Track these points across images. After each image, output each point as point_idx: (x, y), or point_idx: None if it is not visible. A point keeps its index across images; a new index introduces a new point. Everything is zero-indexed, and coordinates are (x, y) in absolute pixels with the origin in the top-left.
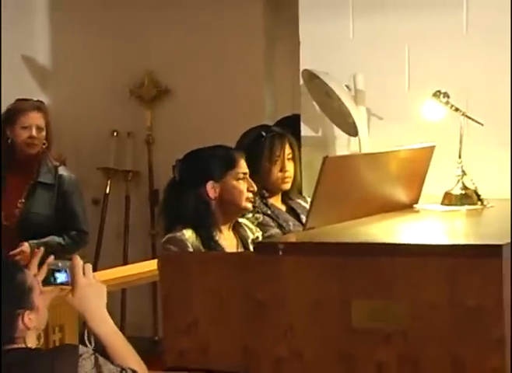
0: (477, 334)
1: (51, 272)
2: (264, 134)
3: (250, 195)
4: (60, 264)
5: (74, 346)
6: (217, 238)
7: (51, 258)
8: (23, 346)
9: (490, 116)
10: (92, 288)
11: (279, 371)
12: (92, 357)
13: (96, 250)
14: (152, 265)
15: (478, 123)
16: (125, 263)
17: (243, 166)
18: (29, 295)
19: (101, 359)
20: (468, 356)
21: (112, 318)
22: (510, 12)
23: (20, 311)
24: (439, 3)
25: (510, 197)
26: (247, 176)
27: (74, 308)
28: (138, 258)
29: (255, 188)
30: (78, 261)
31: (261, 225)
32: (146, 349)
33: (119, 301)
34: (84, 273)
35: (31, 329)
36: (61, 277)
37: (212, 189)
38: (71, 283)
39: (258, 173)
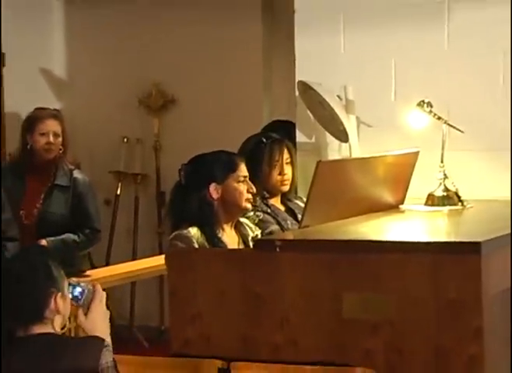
0: (457, 324)
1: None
2: (264, 140)
3: (250, 196)
4: (82, 284)
5: (101, 338)
6: (220, 235)
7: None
8: (51, 330)
9: (470, 124)
10: (104, 315)
11: (276, 358)
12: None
13: (108, 247)
14: (159, 260)
15: (459, 130)
16: (134, 258)
17: (243, 170)
18: (62, 281)
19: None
20: (449, 344)
21: (122, 309)
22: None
23: (53, 290)
24: (422, 22)
25: (489, 198)
26: (247, 178)
27: (83, 326)
28: (146, 254)
29: (254, 190)
30: (100, 288)
31: (261, 222)
32: (154, 337)
33: (129, 293)
34: (101, 301)
35: (59, 312)
36: (76, 292)
37: (214, 190)
38: (84, 303)
39: (259, 176)
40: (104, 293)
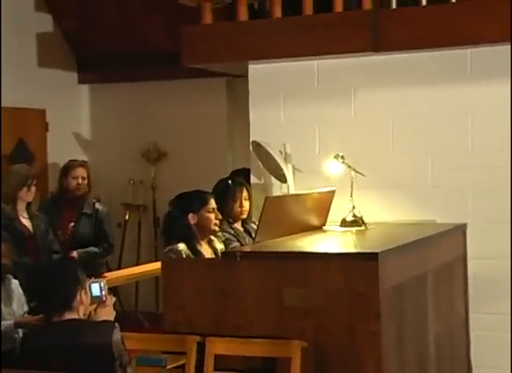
0: (363, 309)
1: (90, 287)
2: (230, 182)
3: (217, 222)
4: (97, 280)
5: (112, 322)
6: (199, 248)
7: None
8: (77, 316)
9: (369, 170)
10: (110, 315)
11: (237, 334)
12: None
13: (119, 256)
14: (155, 266)
15: (362, 174)
16: (138, 264)
17: (212, 203)
18: (84, 281)
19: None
20: (357, 324)
21: (129, 299)
22: (510, 45)
23: (79, 287)
24: (337, 99)
25: (383, 221)
26: (215, 209)
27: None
28: (146, 261)
29: (220, 217)
30: (111, 297)
31: (227, 240)
32: (151, 319)
33: (134, 288)
34: (109, 304)
35: (83, 303)
36: (97, 293)
37: (192, 218)
38: (101, 302)
39: (226, 208)
40: (113, 299)
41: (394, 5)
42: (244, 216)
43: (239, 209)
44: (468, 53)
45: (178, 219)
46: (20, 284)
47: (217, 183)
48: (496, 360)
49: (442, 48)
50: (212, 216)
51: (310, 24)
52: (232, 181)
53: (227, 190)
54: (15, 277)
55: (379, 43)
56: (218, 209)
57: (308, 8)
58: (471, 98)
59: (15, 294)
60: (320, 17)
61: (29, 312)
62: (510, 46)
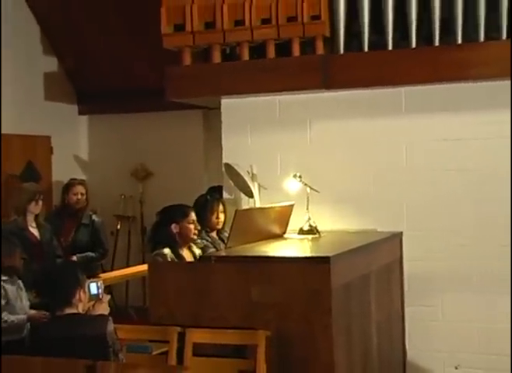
0: (317, 305)
1: (89, 286)
2: (208, 197)
3: (196, 231)
4: (95, 280)
5: (107, 315)
6: (181, 253)
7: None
8: (76, 311)
9: (322, 187)
10: (105, 310)
11: (212, 326)
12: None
13: (112, 259)
14: (143, 267)
15: (316, 191)
16: (128, 266)
17: (192, 215)
18: (83, 281)
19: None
20: (313, 317)
21: (121, 295)
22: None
23: (78, 287)
24: (295, 128)
25: (334, 230)
26: (195, 221)
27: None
28: (134, 263)
29: (199, 227)
30: (106, 295)
31: (205, 247)
32: (139, 313)
33: (125, 286)
34: (104, 301)
35: (81, 301)
36: (95, 291)
37: (174, 228)
38: (98, 299)
39: (205, 219)
40: (108, 297)
41: (341, 51)
42: (220, 226)
43: (216, 220)
44: (401, 91)
45: (163, 228)
46: (24, 284)
47: (197, 198)
48: (428, 344)
49: (381, 87)
50: (192, 226)
51: (272, 66)
52: (210, 197)
53: (206, 204)
54: (19, 278)
55: (329, 82)
56: (197, 220)
57: (271, 52)
58: (405, 128)
59: (23, 292)
60: (280, 60)
61: (31, 307)
62: (436, 85)
